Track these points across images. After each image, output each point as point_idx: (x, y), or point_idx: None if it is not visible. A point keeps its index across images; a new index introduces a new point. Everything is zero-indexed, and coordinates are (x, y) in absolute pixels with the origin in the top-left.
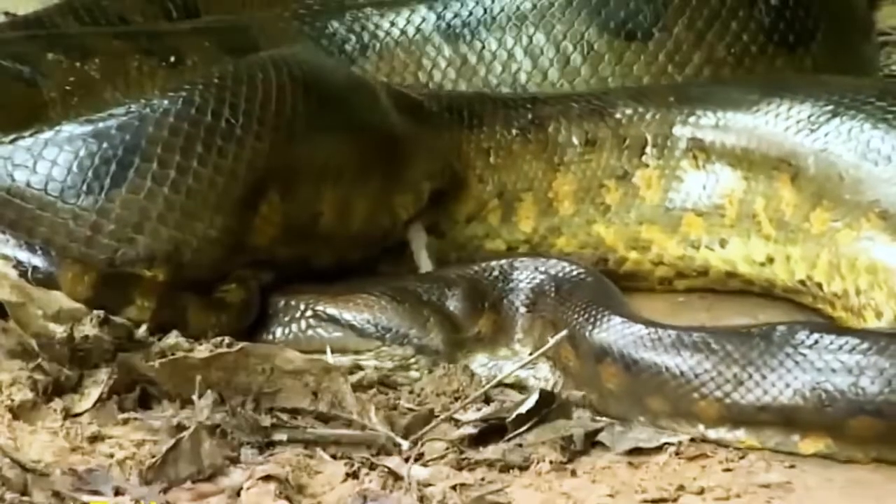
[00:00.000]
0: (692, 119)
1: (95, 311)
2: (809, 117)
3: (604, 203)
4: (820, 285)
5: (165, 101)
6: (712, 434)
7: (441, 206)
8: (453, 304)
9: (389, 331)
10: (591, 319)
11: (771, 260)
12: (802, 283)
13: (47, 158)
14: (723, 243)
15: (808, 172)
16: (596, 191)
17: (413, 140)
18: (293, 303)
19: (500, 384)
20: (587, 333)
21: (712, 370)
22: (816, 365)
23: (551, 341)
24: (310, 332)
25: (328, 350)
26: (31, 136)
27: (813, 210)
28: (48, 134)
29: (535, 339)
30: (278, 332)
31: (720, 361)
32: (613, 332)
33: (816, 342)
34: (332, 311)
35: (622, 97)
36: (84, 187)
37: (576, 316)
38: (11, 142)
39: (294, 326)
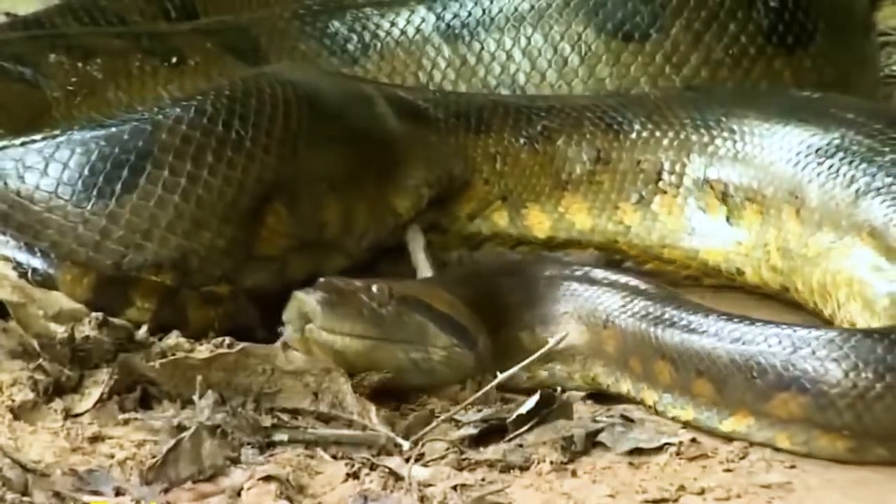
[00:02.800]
0: (710, 149)
1: (94, 314)
2: (818, 151)
3: (622, 223)
4: (821, 312)
5: (177, 110)
6: (666, 399)
7: (441, 205)
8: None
9: (464, 333)
10: (604, 296)
11: (787, 289)
12: (814, 310)
13: (59, 162)
14: (739, 272)
15: (811, 204)
16: (611, 211)
17: (411, 145)
18: (375, 288)
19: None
20: (598, 307)
21: (665, 333)
22: (755, 340)
23: (552, 341)
24: (397, 316)
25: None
26: (42, 139)
27: (812, 235)
28: (60, 137)
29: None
30: (365, 311)
31: (672, 326)
32: (614, 303)
33: (758, 322)
34: (416, 299)
35: (639, 115)
36: (95, 192)
37: (594, 297)
38: (23, 144)
39: (382, 310)
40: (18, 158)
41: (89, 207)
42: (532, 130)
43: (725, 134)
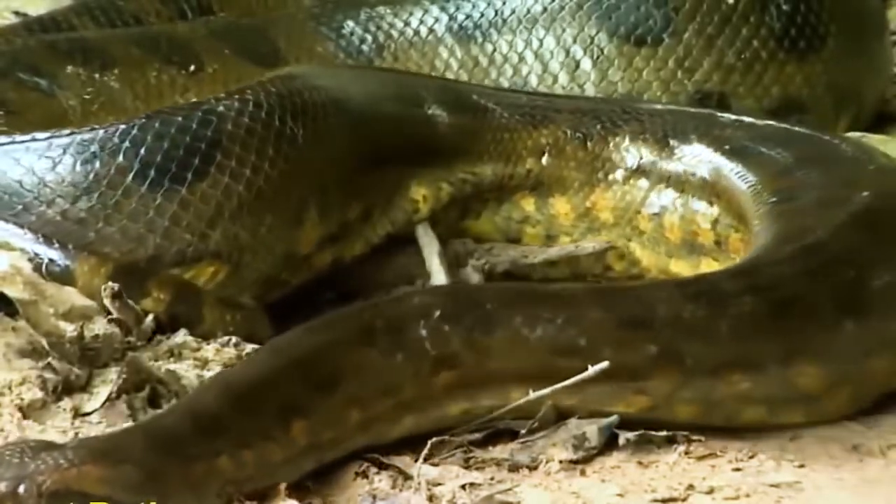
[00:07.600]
0: (725, 179)
1: (109, 283)
2: (780, 207)
3: (638, 228)
4: None
5: (236, 101)
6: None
7: (468, 202)
8: None
9: None
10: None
11: None
12: None
13: (133, 146)
14: None
15: None
16: (633, 214)
17: (449, 147)
18: (22, 490)
19: None
20: None
21: None
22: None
23: (593, 368)
24: None
25: None
26: (111, 124)
27: None
28: (130, 123)
29: None
30: None
31: None
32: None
33: None
34: (70, 492)
35: (690, 136)
36: (167, 178)
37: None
38: (91, 130)
39: None
40: (90, 142)
41: (161, 193)
42: (592, 129)
43: (749, 163)
